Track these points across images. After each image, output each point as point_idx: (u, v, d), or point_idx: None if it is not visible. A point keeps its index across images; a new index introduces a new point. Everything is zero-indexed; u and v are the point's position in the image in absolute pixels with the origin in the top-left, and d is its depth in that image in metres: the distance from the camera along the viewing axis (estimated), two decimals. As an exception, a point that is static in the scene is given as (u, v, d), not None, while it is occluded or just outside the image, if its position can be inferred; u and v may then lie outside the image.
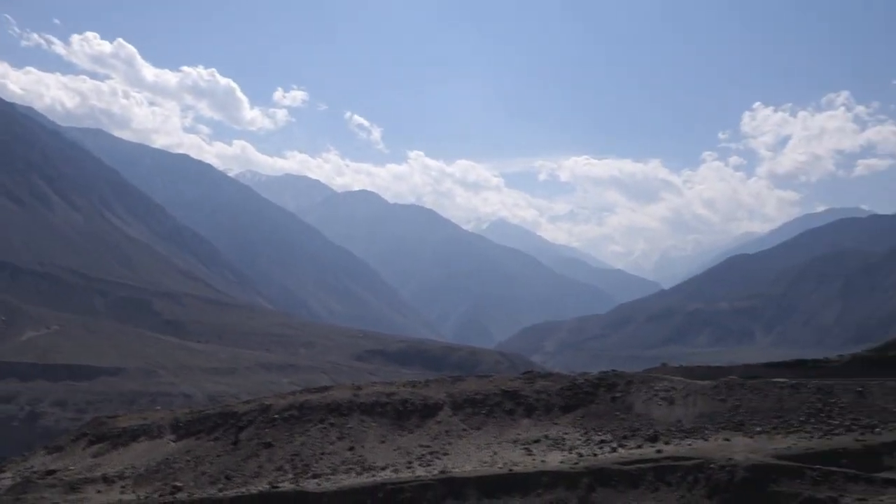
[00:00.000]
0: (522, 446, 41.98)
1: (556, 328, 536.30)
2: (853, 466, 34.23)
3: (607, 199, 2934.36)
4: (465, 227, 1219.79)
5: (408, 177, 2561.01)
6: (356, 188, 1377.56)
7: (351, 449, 43.79)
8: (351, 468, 40.58)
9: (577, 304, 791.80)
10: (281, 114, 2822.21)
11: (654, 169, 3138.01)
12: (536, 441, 42.80)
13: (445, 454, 41.83)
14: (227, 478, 41.89)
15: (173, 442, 49.15)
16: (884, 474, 34.16)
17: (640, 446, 39.54)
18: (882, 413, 44.84)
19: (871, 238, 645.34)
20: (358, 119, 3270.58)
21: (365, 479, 37.05)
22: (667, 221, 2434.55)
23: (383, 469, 39.65)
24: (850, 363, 68.36)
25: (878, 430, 41.46)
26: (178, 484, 41.81)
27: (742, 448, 36.50)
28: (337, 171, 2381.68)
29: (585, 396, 48.98)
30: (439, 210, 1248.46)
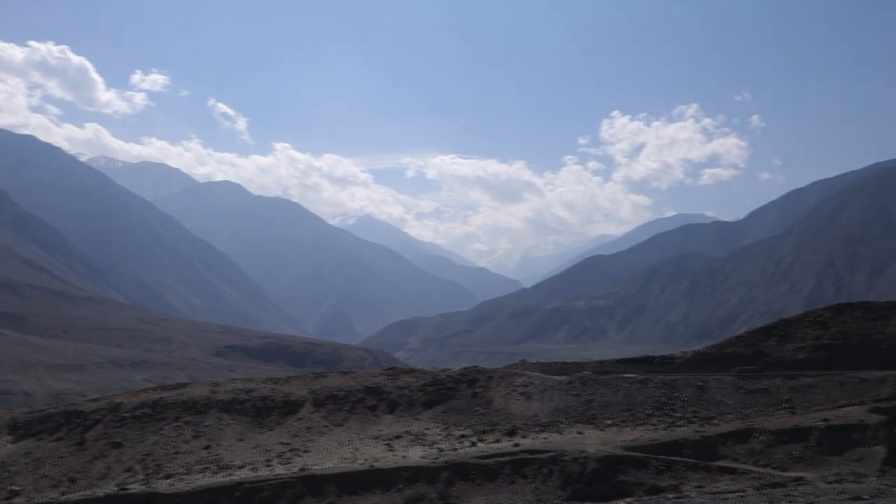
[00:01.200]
0: (384, 442, 42.14)
1: (421, 324, 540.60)
2: (693, 456, 36.60)
3: (472, 198, 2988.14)
4: (331, 221, 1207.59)
5: (273, 169, 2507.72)
6: (219, 178, 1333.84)
7: (207, 448, 42.52)
8: (206, 467, 39.41)
9: (442, 301, 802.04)
10: (139, 97, 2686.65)
11: (518, 170, 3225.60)
12: (398, 437, 43.07)
13: (306, 451, 41.37)
14: (71, 480, 39.67)
15: (11, 443, 46.02)
16: (719, 462, 36.72)
17: (498, 440, 40.60)
18: (719, 406, 48.15)
19: (714, 243, 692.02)
20: (222, 107, 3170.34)
21: (221, 479, 36.07)
22: (529, 222, 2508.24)
23: (241, 468, 38.75)
24: (692, 359, 73.15)
25: (715, 421, 44.57)
26: (16, 488, 39.21)
27: (594, 440, 38.18)
28: (198, 161, 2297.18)
29: (447, 392, 49.77)
30: (305, 204, 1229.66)
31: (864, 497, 36.23)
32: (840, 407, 54.43)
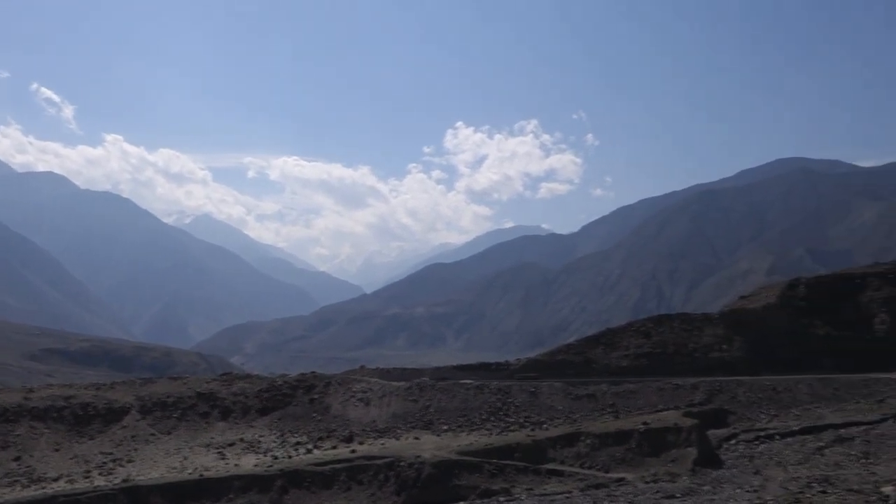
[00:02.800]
0: (216, 450, 40.62)
1: (258, 329, 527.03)
2: (524, 459, 37.78)
3: (316, 201, 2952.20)
4: (165, 220, 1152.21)
5: (103, 162, 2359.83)
6: (41, 169, 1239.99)
7: (17, 459, 39.27)
8: (16, 480, 36.36)
9: (281, 305, 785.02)
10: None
11: (362, 175, 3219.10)
12: (231, 444, 41.66)
13: (130, 461, 39.12)
14: None
15: None
16: (548, 465, 38.09)
17: (335, 447, 40.14)
18: (549, 411, 49.99)
19: (549, 254, 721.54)
20: (46, 93, 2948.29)
21: (33, 493, 33.38)
22: (372, 227, 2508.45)
23: (56, 480, 36.05)
24: (525, 366, 75.64)
25: (545, 426, 46.25)
26: None
27: (430, 446, 38.56)
28: (18, 149, 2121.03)
29: (284, 398, 48.68)
30: (137, 200, 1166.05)
31: (677, 495, 38.86)
32: (658, 411, 58.20)
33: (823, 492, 43.82)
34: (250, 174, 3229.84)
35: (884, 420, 79.85)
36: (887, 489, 44.31)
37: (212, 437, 43.16)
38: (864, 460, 61.89)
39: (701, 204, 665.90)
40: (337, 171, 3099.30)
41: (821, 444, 69.39)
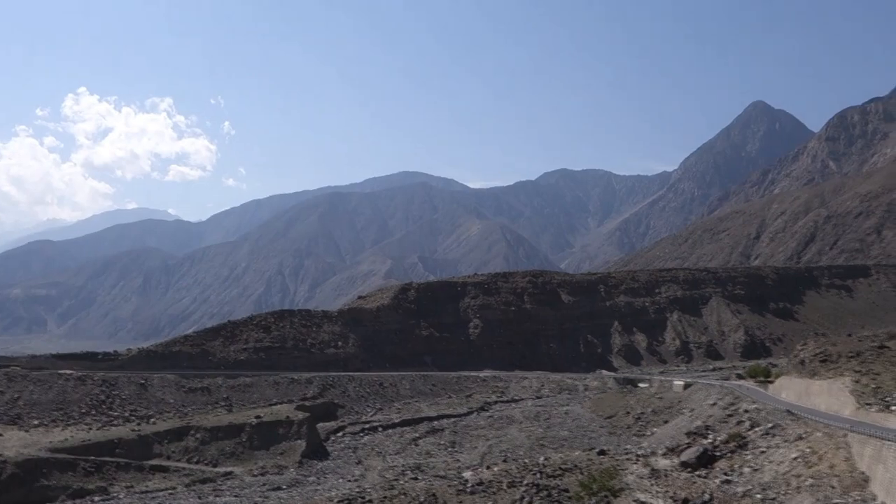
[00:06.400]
0: None
1: None
2: (127, 455, 35.65)
3: None
4: None
5: None
6: None
7: None
8: None
9: None
10: None
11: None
12: None
13: None
14: None
15: None
16: (153, 461, 36.41)
17: None
18: (160, 404, 47.85)
19: (173, 241, 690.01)
20: None
21: None
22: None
23: None
24: (137, 357, 71.26)
25: (153, 420, 44.12)
26: None
27: (15, 443, 34.62)
28: None
29: None
30: None
31: (283, 487, 39.66)
32: (273, 405, 59.02)
33: (415, 478, 48.14)
34: None
35: (470, 413, 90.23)
36: (467, 474, 50.15)
37: None
38: (450, 449, 69.45)
39: (330, 205, 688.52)
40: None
41: (417, 435, 76.26)
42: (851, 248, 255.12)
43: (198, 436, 57.75)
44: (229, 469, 53.14)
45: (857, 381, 48.89)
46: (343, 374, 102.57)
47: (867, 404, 43.08)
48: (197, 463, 51.05)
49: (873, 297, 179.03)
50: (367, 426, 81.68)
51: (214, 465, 54.65)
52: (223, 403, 79.17)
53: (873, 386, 46.61)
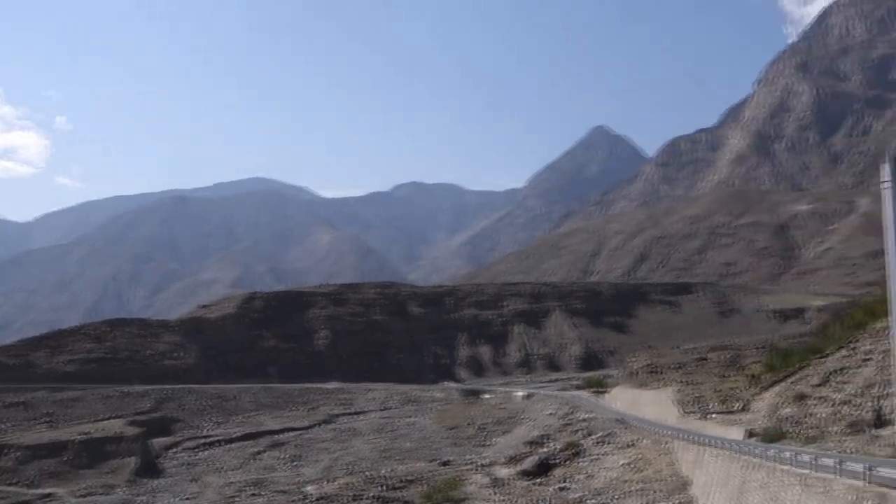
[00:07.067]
0: None
1: None
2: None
3: None
4: None
5: None
6: None
7: None
8: None
9: None
10: None
11: None
12: None
13: None
14: None
15: None
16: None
17: None
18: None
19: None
20: None
21: None
22: None
23: None
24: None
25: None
26: None
27: None
28: None
29: None
30: None
31: (111, 507, 37.38)
32: (102, 420, 55.71)
33: (255, 494, 46.89)
34: None
35: (314, 426, 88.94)
36: (309, 488, 49.40)
37: None
38: (293, 463, 68.17)
39: (174, 209, 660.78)
40: None
41: (258, 449, 74.35)
42: (679, 267, 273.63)
43: (15, 455, 53.43)
44: (51, 490, 49.45)
45: (680, 391, 52.39)
46: (181, 386, 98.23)
47: (689, 412, 46.21)
48: (13, 484, 47.13)
49: (696, 312, 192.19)
50: (205, 441, 78.56)
51: (34, 487, 50.71)
52: (45, 419, 73.71)
53: (695, 395, 50.11)
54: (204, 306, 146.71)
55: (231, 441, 79.54)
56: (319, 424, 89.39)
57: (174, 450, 75.28)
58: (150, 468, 62.66)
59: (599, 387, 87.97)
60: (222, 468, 67.58)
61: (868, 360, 28.24)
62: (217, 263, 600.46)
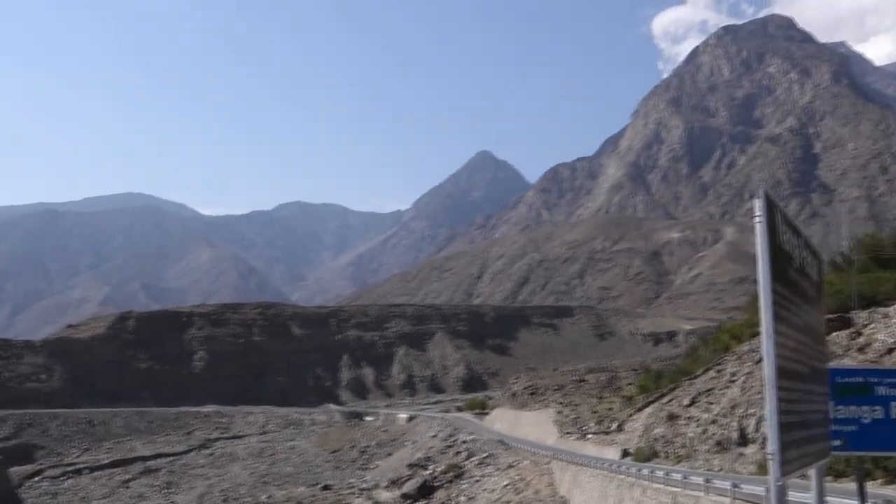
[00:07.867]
0: None
1: None
2: None
3: None
4: None
5: None
6: None
7: None
8: None
9: None
10: None
11: None
12: None
13: None
14: None
15: None
16: None
17: None
18: None
19: None
20: None
21: None
22: None
23: None
24: None
25: None
26: None
27: None
28: None
29: None
30: None
31: (-37, 543, 34.97)
32: (-46, 448, 51.84)
33: (124, 524, 44.50)
34: None
35: (189, 451, 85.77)
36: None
37: None
38: (166, 490, 65.42)
39: (40, 223, 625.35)
40: None
41: (128, 476, 70.92)
42: (559, 290, 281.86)
43: None
44: None
45: (559, 412, 53.78)
46: (45, 411, 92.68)
47: (568, 433, 47.49)
48: None
49: (575, 335, 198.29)
50: (70, 469, 74.31)
51: None
52: None
53: (573, 416, 51.57)
54: (72, 326, 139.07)
55: (99, 468, 75.52)
56: (195, 450, 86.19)
57: (36, 479, 70.83)
58: (8, 498, 58.69)
59: (482, 408, 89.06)
60: (88, 497, 64.09)
61: (733, 381, 29.96)
62: (87, 281, 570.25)
